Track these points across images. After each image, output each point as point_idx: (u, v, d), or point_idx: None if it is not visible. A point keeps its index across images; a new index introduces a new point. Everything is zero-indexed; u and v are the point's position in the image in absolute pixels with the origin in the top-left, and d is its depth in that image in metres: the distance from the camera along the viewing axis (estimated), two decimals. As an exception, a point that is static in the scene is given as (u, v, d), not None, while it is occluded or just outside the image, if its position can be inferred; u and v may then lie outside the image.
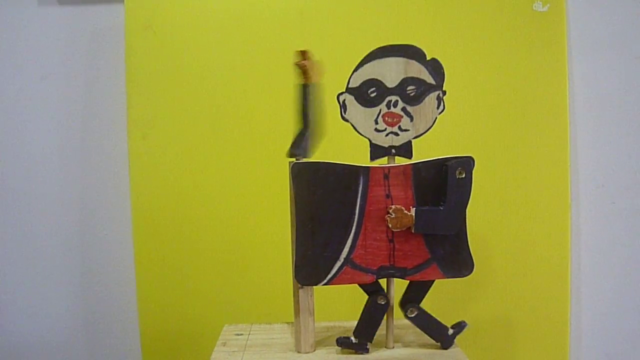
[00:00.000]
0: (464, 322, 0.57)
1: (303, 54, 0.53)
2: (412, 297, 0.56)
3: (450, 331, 0.57)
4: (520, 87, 0.80)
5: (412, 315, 0.56)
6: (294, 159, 0.54)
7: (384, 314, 0.56)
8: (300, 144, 0.53)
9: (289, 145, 0.54)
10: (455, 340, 0.58)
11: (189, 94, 0.80)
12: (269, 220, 0.80)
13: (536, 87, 0.80)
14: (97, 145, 0.86)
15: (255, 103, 0.80)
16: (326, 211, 0.52)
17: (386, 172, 0.52)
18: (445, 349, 0.57)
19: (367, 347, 0.56)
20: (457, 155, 0.51)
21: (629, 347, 0.88)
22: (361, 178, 0.52)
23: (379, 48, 0.52)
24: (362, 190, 0.52)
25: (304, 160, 0.53)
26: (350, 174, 0.52)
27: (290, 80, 0.55)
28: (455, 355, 0.56)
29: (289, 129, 0.55)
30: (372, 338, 0.56)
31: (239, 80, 0.80)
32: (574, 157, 0.85)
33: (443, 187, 0.51)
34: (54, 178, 0.86)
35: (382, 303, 0.55)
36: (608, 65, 0.85)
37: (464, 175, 0.51)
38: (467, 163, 0.51)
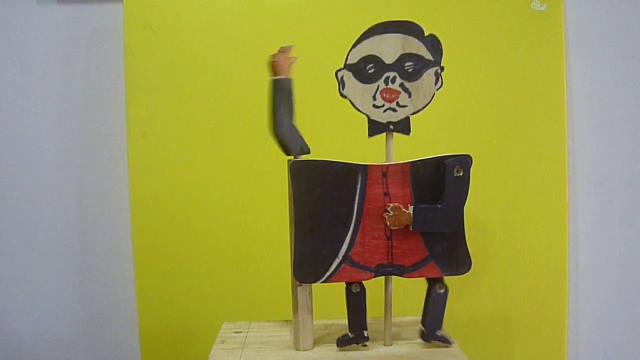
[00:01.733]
0: (451, 342, 0.57)
1: (282, 50, 0.53)
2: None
3: (440, 332, 0.57)
4: (518, 85, 0.80)
5: (441, 292, 0.55)
6: (292, 157, 0.54)
7: (363, 300, 0.55)
8: (297, 138, 0.54)
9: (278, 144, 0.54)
10: (453, 337, 0.58)
11: (188, 93, 0.80)
12: (268, 217, 0.80)
13: (534, 86, 0.80)
14: (96, 143, 0.86)
15: (254, 102, 0.80)
16: (325, 209, 0.52)
17: (384, 170, 0.52)
18: (425, 340, 0.57)
19: (365, 335, 0.56)
20: (455, 154, 0.52)
21: (626, 345, 0.89)
22: (359, 176, 0.52)
23: (377, 24, 0.51)
24: (360, 188, 0.52)
25: (303, 157, 0.53)
26: (348, 172, 0.52)
27: (291, 80, 0.55)
28: (453, 352, 0.56)
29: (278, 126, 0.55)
30: (365, 325, 0.56)
31: (238, 79, 0.80)
32: (572, 155, 0.85)
33: (441, 185, 0.52)
34: (53, 176, 0.86)
35: (357, 290, 0.55)
36: (606, 64, 0.85)
37: (461, 174, 0.51)
38: (464, 161, 0.51)
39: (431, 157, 0.52)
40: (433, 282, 0.56)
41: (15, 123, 0.86)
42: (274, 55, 0.53)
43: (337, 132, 0.76)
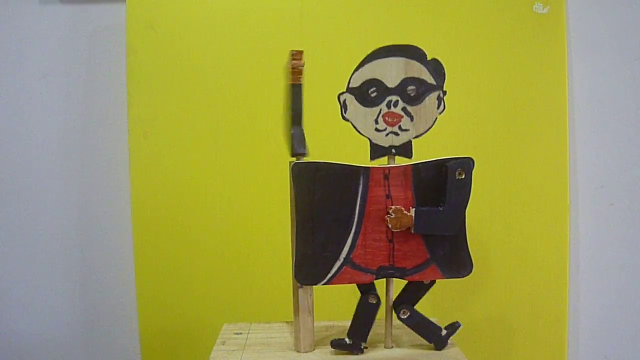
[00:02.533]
0: (458, 322, 0.57)
1: (298, 55, 0.53)
2: (407, 299, 0.56)
3: (444, 332, 0.57)
4: (520, 88, 0.80)
5: (405, 317, 0.56)
6: (294, 159, 0.54)
7: (376, 313, 0.55)
8: (302, 141, 0.54)
9: (288, 145, 0.54)
10: (454, 340, 0.58)
11: (190, 93, 0.80)
12: (269, 219, 0.80)
13: (536, 89, 0.80)
14: (98, 143, 0.86)
15: (256, 102, 0.80)
16: (326, 211, 0.52)
17: (386, 173, 0.52)
18: (439, 349, 0.57)
19: (362, 347, 0.56)
20: (457, 156, 0.52)
21: (627, 347, 0.89)
22: (361, 178, 0.52)
23: (379, 48, 0.52)
24: (362, 190, 0.52)
25: (305, 159, 0.53)
26: (350, 174, 0.52)
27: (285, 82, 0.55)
28: (454, 355, 0.56)
29: (290, 129, 0.55)
30: (366, 338, 0.56)
31: (240, 80, 0.80)
32: (573, 158, 0.85)
33: (443, 188, 0.52)
34: (54, 176, 0.86)
35: (374, 302, 0.55)
36: (607, 67, 0.85)
37: (463, 176, 0.51)
38: (466, 164, 0.51)
39: (433, 159, 0.52)
40: (395, 310, 0.56)
41: (17, 123, 0.86)
42: (294, 61, 0.53)
43: (339, 134, 0.76)
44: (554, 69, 0.80)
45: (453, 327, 0.57)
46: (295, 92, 0.54)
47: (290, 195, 0.54)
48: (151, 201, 0.80)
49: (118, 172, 0.85)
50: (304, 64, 0.53)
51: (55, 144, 0.86)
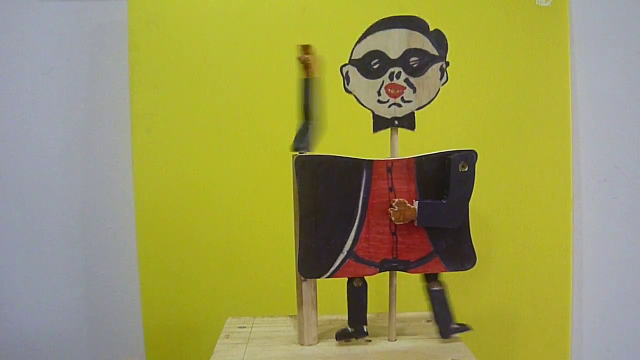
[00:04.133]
0: (468, 327, 0.57)
1: (305, 49, 0.53)
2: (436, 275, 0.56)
3: (454, 325, 0.57)
4: (522, 81, 0.80)
5: (434, 288, 0.55)
6: (297, 153, 0.54)
7: (365, 295, 0.55)
8: (303, 137, 0.53)
9: (292, 139, 0.54)
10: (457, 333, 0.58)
11: (192, 89, 0.80)
12: (272, 213, 0.80)
13: (539, 82, 0.80)
14: (101, 139, 0.86)
15: (258, 97, 0.80)
16: (329, 204, 0.52)
17: (389, 166, 0.52)
18: (443, 337, 0.57)
19: (365, 330, 0.56)
20: (460, 149, 0.52)
21: (630, 342, 0.89)
22: (364, 171, 0.52)
23: (382, 20, 0.51)
24: (365, 183, 0.52)
25: (308, 153, 0.53)
26: (353, 167, 0.52)
27: (294, 75, 0.55)
28: (458, 348, 0.56)
29: (292, 123, 0.55)
30: (365, 320, 0.56)
31: (242, 75, 0.80)
32: (577, 151, 0.85)
33: (446, 181, 0.52)
34: (58, 173, 0.86)
35: (359, 285, 0.55)
36: (611, 61, 0.85)
37: (466, 169, 0.51)
38: (470, 157, 0.51)
39: (436, 152, 0.52)
40: (427, 281, 0.56)
41: (20, 119, 0.86)
42: (305, 55, 0.53)
43: (342, 127, 0.76)
44: (557, 62, 0.80)
45: (463, 327, 0.57)
46: (304, 86, 0.54)
47: (293, 189, 0.54)
48: (154, 196, 0.80)
49: (121, 168, 0.85)
50: (310, 58, 0.53)
51: (58, 140, 0.86)
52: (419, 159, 0.52)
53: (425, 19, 0.52)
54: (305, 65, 0.53)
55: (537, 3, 0.80)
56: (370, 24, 0.52)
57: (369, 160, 0.52)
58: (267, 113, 0.80)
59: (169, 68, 0.80)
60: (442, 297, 0.56)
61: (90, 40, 0.85)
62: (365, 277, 0.55)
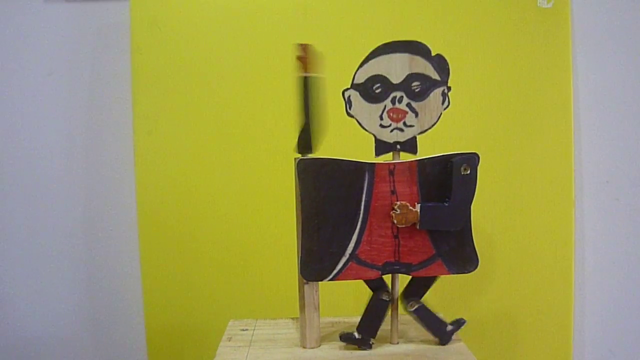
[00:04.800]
0: (463, 319, 0.57)
1: (302, 48, 0.53)
2: (414, 292, 0.56)
3: (449, 327, 0.57)
4: (524, 83, 0.80)
5: (413, 309, 0.56)
6: (299, 155, 0.54)
7: (387, 310, 0.56)
8: (307, 141, 0.53)
9: (294, 141, 0.54)
10: (459, 335, 0.58)
11: (194, 90, 0.80)
12: (275, 216, 0.80)
13: (540, 83, 0.80)
14: (103, 141, 0.86)
15: (260, 99, 0.80)
16: (332, 207, 0.52)
17: (391, 169, 0.52)
18: (443, 344, 0.57)
19: (371, 343, 0.56)
20: (462, 152, 0.52)
21: (632, 343, 0.88)
22: (366, 174, 0.52)
23: (384, 44, 0.52)
24: (367, 186, 0.52)
25: (310, 156, 0.53)
26: (355, 170, 0.52)
27: (296, 78, 0.55)
28: (459, 349, 0.56)
29: (295, 125, 0.55)
30: (375, 334, 0.56)
31: (244, 76, 0.80)
32: (578, 153, 0.85)
33: (448, 184, 0.52)
34: (60, 174, 0.87)
35: (386, 299, 0.55)
36: (612, 61, 0.85)
37: (469, 172, 0.51)
38: (472, 159, 0.51)
39: (438, 155, 0.52)
40: (406, 302, 0.56)
41: (22, 120, 0.86)
42: (302, 53, 0.52)
43: (344, 130, 0.76)
44: (559, 64, 0.80)
45: (458, 323, 0.57)
46: (302, 84, 0.53)
47: (296, 192, 0.54)
48: (156, 198, 0.80)
49: (123, 169, 0.85)
50: (307, 56, 0.52)
51: (60, 141, 0.86)
52: (421, 162, 0.52)
53: (426, 44, 0.52)
54: (302, 63, 0.53)
55: (538, 5, 0.80)
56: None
57: (371, 163, 0.52)
58: (270, 116, 0.80)
59: (171, 70, 0.80)
60: (424, 312, 0.56)
61: (92, 42, 0.85)
62: (390, 292, 0.55)
